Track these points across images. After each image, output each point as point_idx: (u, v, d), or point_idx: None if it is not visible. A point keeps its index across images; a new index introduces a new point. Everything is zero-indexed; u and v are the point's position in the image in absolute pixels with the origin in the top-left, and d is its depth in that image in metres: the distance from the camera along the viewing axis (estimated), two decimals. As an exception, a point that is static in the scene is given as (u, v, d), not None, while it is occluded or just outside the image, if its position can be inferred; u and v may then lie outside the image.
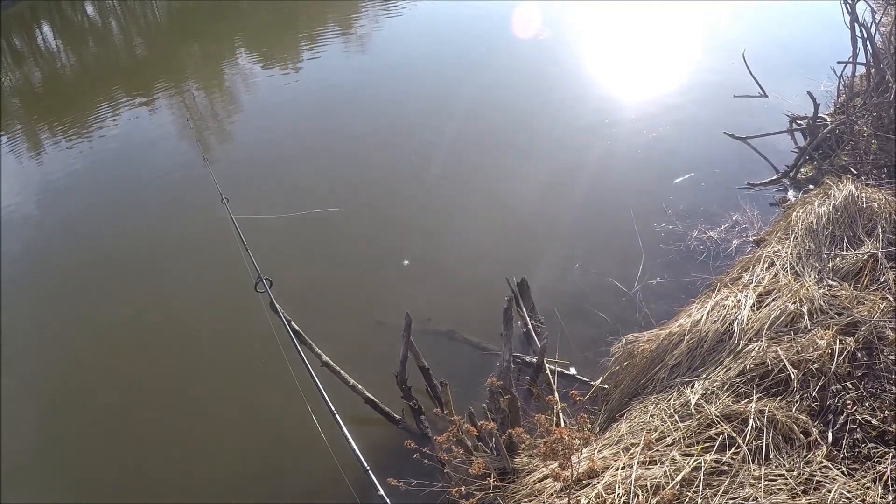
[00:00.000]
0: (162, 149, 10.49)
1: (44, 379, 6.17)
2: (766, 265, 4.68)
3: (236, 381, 5.67)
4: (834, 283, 4.28)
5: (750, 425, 3.25)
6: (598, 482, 3.17)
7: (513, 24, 13.67)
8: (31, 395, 6.00)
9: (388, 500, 2.98)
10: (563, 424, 4.09)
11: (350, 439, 3.26)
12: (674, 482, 3.03)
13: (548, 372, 4.95)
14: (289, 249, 7.22)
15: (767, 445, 3.16)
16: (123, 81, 14.56)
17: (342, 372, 4.75)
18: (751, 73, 8.96)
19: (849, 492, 2.88)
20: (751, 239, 6.12)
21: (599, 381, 4.81)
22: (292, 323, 4.71)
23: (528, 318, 5.46)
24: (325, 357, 4.75)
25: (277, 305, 4.64)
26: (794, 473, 3.02)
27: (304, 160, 9.41)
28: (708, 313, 4.24)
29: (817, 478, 2.99)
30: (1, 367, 6.19)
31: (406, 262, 6.75)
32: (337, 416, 3.44)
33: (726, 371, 3.73)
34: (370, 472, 3.06)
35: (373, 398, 4.78)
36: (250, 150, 10.15)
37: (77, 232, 8.58)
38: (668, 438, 3.40)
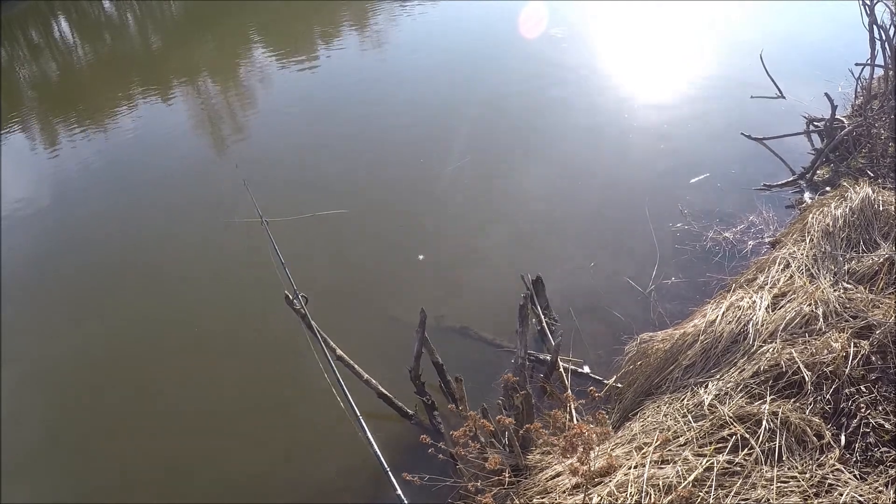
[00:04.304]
0: (175, 144, 10.58)
1: (47, 376, 6.16)
2: (781, 267, 4.67)
3: (249, 376, 5.67)
4: (849, 286, 4.27)
5: (763, 427, 3.26)
6: (610, 480, 3.20)
7: (526, 23, 13.63)
8: (34, 393, 6.00)
9: (405, 501, 2.97)
10: (576, 422, 4.12)
11: (372, 441, 3.26)
12: (686, 482, 3.05)
13: (561, 370, 4.97)
14: (302, 249, 7.20)
15: (780, 447, 3.17)
16: (139, 75, 14.64)
17: (356, 366, 4.77)
18: (768, 74, 8.93)
19: (861, 495, 2.89)
20: (766, 240, 6.11)
21: (613, 379, 4.83)
22: (308, 317, 4.75)
23: (542, 316, 5.48)
24: (339, 351, 4.78)
25: (294, 299, 4.68)
26: (807, 476, 3.03)
27: (316, 161, 9.37)
28: (723, 314, 4.24)
29: (829, 481, 3.00)
30: (1, 363, 6.21)
31: (421, 257, 6.78)
32: (360, 417, 3.45)
33: (740, 372, 3.74)
34: (390, 472, 3.07)
35: (386, 393, 4.81)
36: (260, 151, 10.09)
37: (88, 227, 8.58)
38: (680, 438, 3.42)
